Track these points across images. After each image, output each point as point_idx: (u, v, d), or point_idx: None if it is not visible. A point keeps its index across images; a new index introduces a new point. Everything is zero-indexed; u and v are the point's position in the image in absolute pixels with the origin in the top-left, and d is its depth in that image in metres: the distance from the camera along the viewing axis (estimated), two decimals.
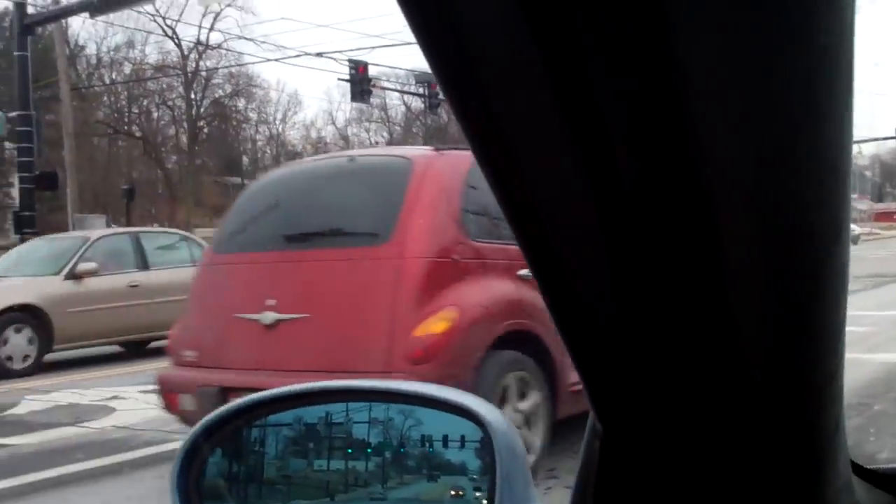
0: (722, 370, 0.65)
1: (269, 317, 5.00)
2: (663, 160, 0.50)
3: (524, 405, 5.10)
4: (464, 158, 5.08)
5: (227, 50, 42.53)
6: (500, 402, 4.82)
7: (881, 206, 59.78)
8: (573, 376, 4.33)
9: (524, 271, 4.78)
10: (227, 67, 46.72)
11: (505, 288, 5.05)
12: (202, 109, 49.90)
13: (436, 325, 4.73)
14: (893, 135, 54.18)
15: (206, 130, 51.86)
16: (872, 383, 8.13)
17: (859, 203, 53.12)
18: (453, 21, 0.49)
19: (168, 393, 5.59)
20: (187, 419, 5.30)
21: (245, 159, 56.06)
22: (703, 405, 0.68)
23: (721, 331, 0.61)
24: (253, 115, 54.21)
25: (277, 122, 55.07)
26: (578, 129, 0.51)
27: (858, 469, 0.99)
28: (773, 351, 0.63)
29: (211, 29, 43.35)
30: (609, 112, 0.49)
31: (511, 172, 0.56)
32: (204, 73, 47.96)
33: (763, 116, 0.47)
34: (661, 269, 0.58)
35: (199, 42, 44.47)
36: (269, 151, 56.40)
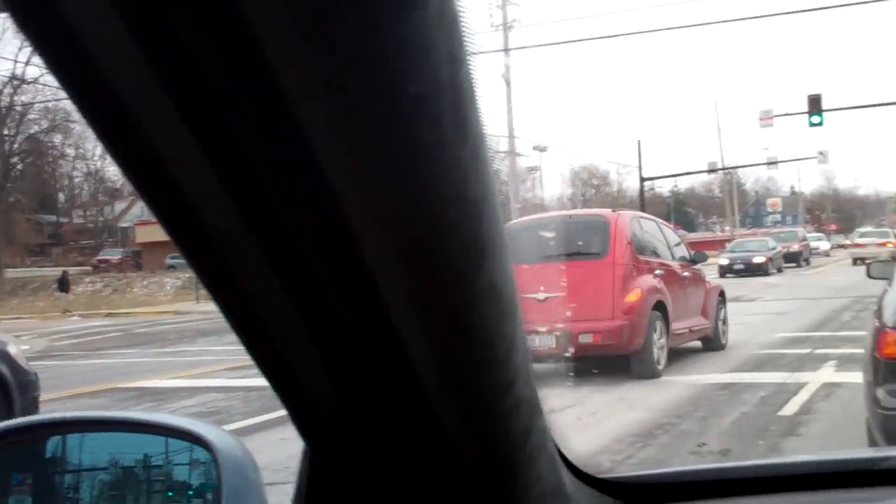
0: (401, 390, 0.70)
1: (541, 296, 9.58)
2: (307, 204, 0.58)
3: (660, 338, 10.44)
4: (629, 215, 11.46)
5: (43, 84, 40.60)
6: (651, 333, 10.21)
7: (694, 236, 63.80)
8: (677, 326, 10.80)
9: (657, 271, 10.78)
10: (43, 102, 44.67)
11: (654, 281, 10.61)
12: (16, 145, 47.49)
13: (632, 296, 10.11)
14: (706, 169, 58.43)
15: (19, 167, 49.36)
16: (680, 403, 8.58)
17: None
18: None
19: None
20: None
21: (61, 196, 53.69)
22: (393, 426, 0.74)
23: (392, 356, 0.67)
24: (70, 151, 52.07)
25: (96, 158, 53.02)
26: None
27: (588, 477, 1.10)
28: (438, 365, 0.68)
29: (28, 63, 41.31)
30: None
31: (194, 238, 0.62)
32: (19, 108, 45.70)
33: (381, 153, 0.52)
34: (335, 317, 0.65)
35: (13, 76, 42.33)
36: (86, 188, 54.24)
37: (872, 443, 4.63)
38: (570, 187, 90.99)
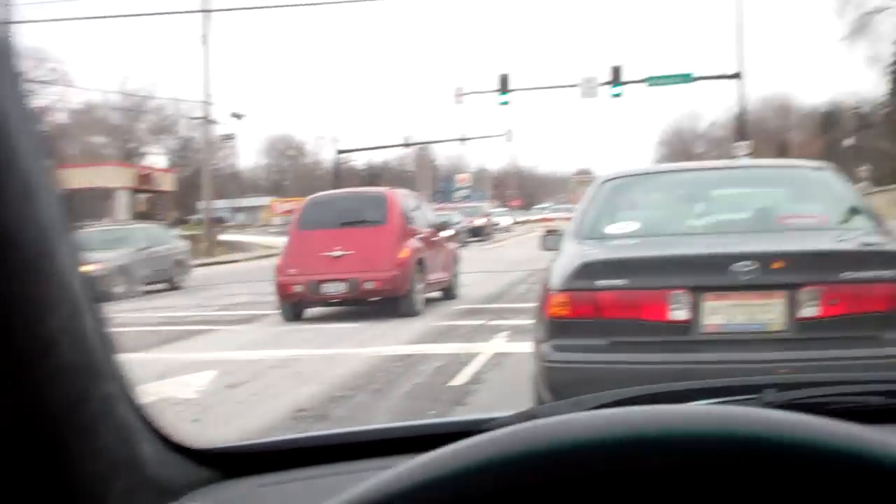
0: None
1: (337, 253, 13.11)
2: None
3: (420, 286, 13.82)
4: (401, 192, 15.65)
5: None
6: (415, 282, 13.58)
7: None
8: (431, 277, 14.30)
9: (419, 235, 14.24)
10: None
11: (417, 242, 13.82)
12: None
13: (403, 253, 13.23)
14: (400, 144, 60.04)
15: None
16: (356, 376, 8.61)
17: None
18: None
19: (285, 286, 13.20)
20: (292, 297, 13.27)
21: None
22: None
23: None
24: None
25: None
26: None
27: (183, 449, 1.08)
28: None
29: None
30: None
31: None
32: None
33: None
34: None
35: None
36: None
37: (539, 401, 4.99)
38: (266, 157, 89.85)
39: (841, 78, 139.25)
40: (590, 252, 5.05)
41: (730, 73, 34.37)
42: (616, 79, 34.14)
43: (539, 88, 42.87)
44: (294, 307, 13.42)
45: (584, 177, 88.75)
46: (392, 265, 13.05)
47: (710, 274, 4.64)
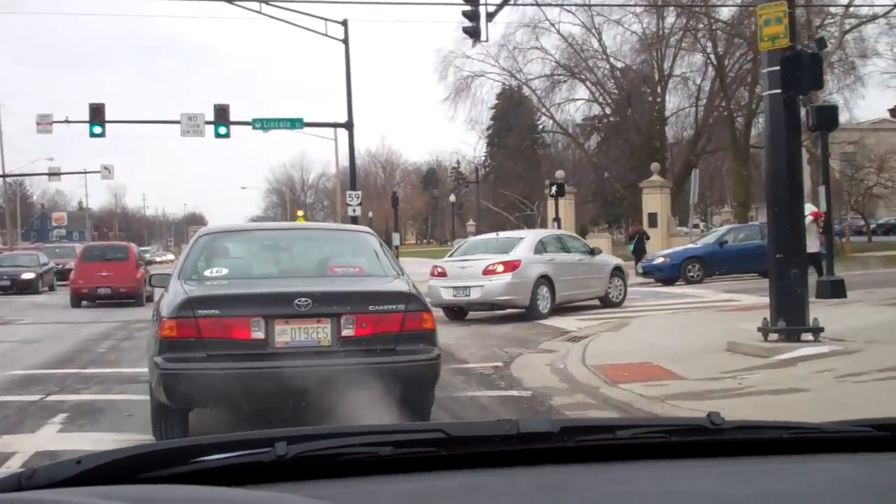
0: None
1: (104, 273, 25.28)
2: None
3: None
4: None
5: None
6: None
7: None
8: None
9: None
10: None
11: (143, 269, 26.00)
12: None
13: (139, 274, 26.18)
14: None
15: None
16: None
17: None
18: None
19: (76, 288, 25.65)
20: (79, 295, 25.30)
21: None
22: None
23: None
24: None
25: None
26: None
27: None
28: None
29: None
30: None
31: None
32: None
33: None
34: None
35: None
36: None
37: (155, 402, 6.52)
38: None
39: (444, 138, 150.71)
40: (191, 289, 6.51)
41: (340, 122, 34.42)
42: (222, 119, 32.75)
43: (137, 122, 40.35)
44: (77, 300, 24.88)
45: (194, 227, 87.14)
46: (136, 280, 24.55)
47: (278, 306, 6.33)
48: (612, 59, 52.17)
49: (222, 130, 33.04)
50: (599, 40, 51.88)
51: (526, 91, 54.43)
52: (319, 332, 6.28)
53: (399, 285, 6.84)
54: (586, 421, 2.00)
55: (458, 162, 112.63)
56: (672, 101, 52.10)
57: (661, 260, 25.14)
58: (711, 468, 1.58)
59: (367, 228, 9.26)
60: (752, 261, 22.76)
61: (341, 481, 1.42)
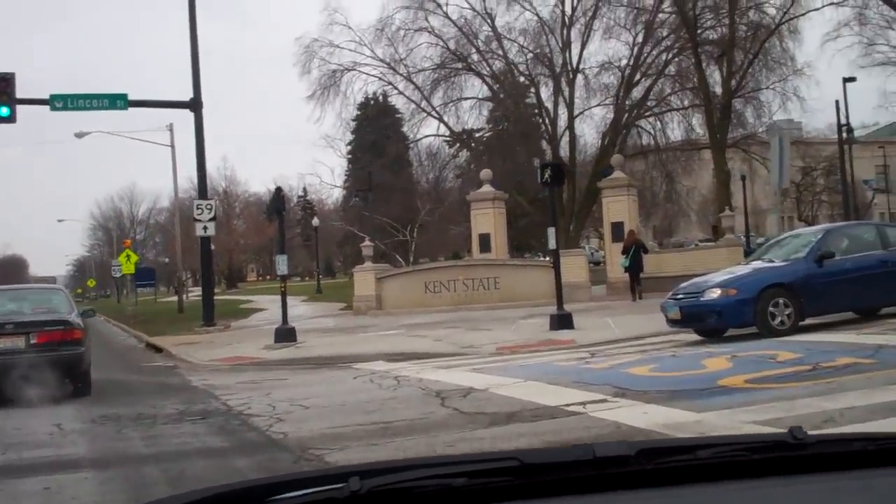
0: None
1: None
2: None
3: None
4: None
5: None
6: None
7: None
8: None
9: None
10: None
11: None
12: None
13: None
14: None
15: None
16: None
17: None
18: None
19: None
20: None
21: None
22: None
23: None
24: None
25: None
26: None
27: None
28: None
29: None
30: None
31: None
32: None
33: None
34: None
35: None
36: None
37: None
38: None
39: (296, 158, 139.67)
40: None
41: (182, 101, 23.72)
42: (3, 93, 21.61)
43: None
44: None
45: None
46: None
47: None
48: (507, 47, 43.53)
49: (4, 111, 22.01)
50: (493, 25, 43.30)
51: (407, 87, 44.80)
52: (20, 342, 12.33)
53: (64, 315, 13.24)
54: (664, 442, 1.84)
55: (304, 190, 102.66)
56: (582, 96, 43.95)
57: (716, 293, 13.20)
58: (794, 485, 1.52)
59: (58, 286, 20.21)
60: (872, 287, 13.48)
61: None
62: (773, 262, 13.88)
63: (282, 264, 20.98)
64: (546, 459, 1.51)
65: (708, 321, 13.28)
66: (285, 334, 19.90)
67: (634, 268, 25.31)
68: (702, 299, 13.27)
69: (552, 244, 18.04)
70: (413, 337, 19.14)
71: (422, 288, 27.77)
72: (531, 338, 16.85)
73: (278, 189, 20.86)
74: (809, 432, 1.60)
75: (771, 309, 12.77)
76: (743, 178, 45.68)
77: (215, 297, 26.57)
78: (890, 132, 68.61)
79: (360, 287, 29.04)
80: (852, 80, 38.88)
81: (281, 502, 1.38)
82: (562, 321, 17.42)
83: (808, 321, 13.29)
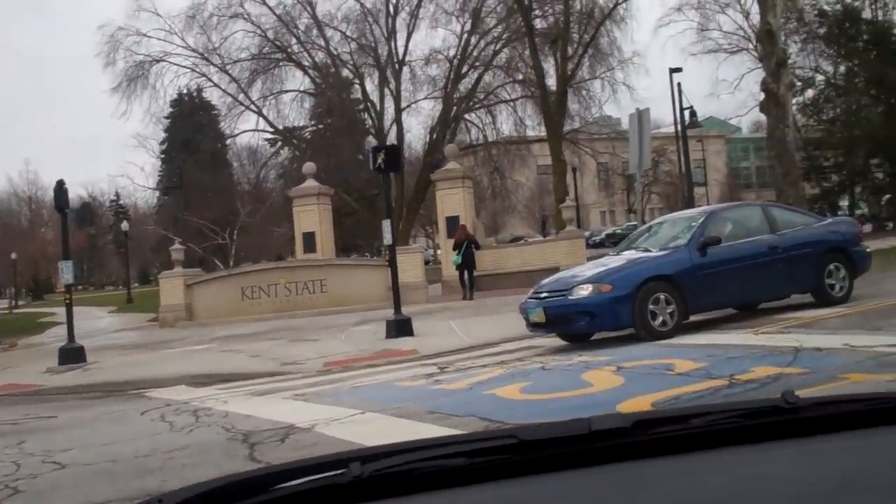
0: None
1: None
2: None
3: None
4: None
5: None
6: None
7: None
8: None
9: None
10: None
11: None
12: None
13: None
14: None
15: None
16: None
17: None
18: None
19: None
20: None
21: None
22: None
23: None
24: None
25: None
26: None
27: None
28: None
29: None
30: None
31: None
32: None
33: None
34: None
35: None
36: None
37: None
38: None
39: (108, 160, 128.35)
40: None
41: None
42: None
43: None
44: None
45: None
46: None
47: None
48: (329, 35, 40.95)
49: None
50: (313, 13, 40.56)
51: (222, 80, 41.30)
52: None
53: None
54: (658, 413, 1.88)
55: (117, 194, 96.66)
56: (410, 89, 41.85)
57: (587, 290, 10.95)
58: (787, 449, 1.53)
59: None
60: (763, 277, 11.59)
61: (417, 497, 1.41)
62: (649, 251, 11.73)
63: (66, 272, 17.66)
64: (542, 435, 1.52)
65: (578, 324, 10.98)
66: (71, 354, 16.70)
67: (466, 265, 23.26)
68: (570, 298, 10.95)
69: (387, 238, 15.65)
70: (226, 352, 16.30)
71: (238, 294, 24.76)
72: (366, 349, 14.41)
73: (59, 183, 17.37)
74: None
75: (651, 307, 10.69)
76: (574, 170, 44.87)
77: (16, 311, 23.08)
78: (708, 126, 70.57)
79: (168, 295, 25.69)
80: (678, 70, 38.42)
81: (286, 490, 1.38)
82: (400, 327, 15.09)
83: (691, 318, 11.37)
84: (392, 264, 15.51)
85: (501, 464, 1.45)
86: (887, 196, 37.16)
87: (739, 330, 10.64)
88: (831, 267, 11.78)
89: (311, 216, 28.01)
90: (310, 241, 27.89)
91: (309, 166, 29.57)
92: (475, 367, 10.46)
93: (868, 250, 12.47)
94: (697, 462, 1.48)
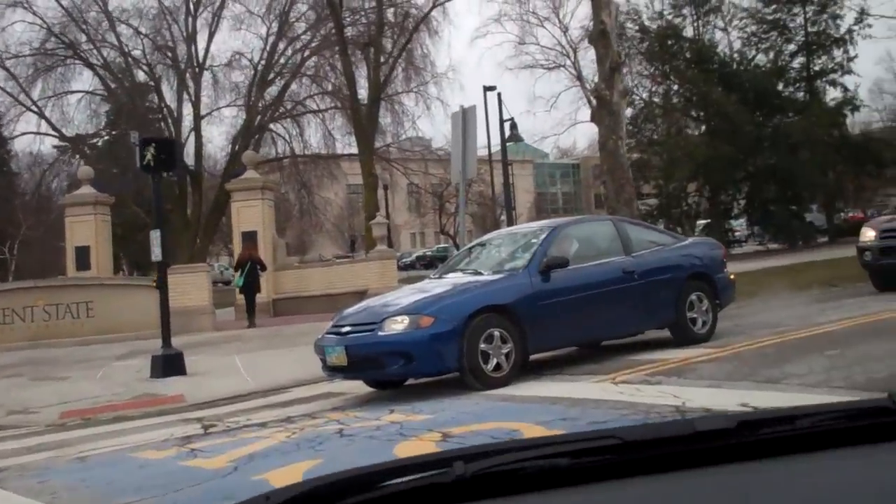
0: None
1: None
2: None
3: None
4: None
5: None
6: None
7: None
8: None
9: None
10: None
11: None
12: None
13: None
14: None
15: None
16: None
17: None
18: None
19: None
20: None
21: None
22: None
23: None
24: None
25: None
26: None
27: None
28: None
29: None
30: None
31: None
32: None
33: None
34: None
35: None
36: None
37: None
38: None
39: None
40: None
41: None
42: None
43: None
44: None
45: None
46: None
47: None
48: (122, 32, 37.00)
49: None
50: (104, 6, 36.50)
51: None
52: None
53: None
54: (764, 413, 1.69)
55: None
56: (211, 95, 38.37)
57: (402, 323, 8.42)
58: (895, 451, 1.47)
59: None
60: (617, 308, 9.51)
61: (520, 497, 1.38)
62: (480, 274, 9.38)
63: None
64: (645, 436, 1.49)
65: (390, 368, 8.42)
66: None
67: (249, 287, 20.34)
68: (380, 334, 8.39)
69: (157, 254, 12.67)
70: None
71: None
72: (121, 392, 11.41)
73: None
74: None
75: (483, 346, 8.33)
76: (385, 187, 42.67)
77: None
78: (515, 150, 70.40)
79: None
80: (492, 88, 36.96)
81: (392, 487, 1.35)
82: (169, 364, 12.16)
83: (531, 358, 9.07)
84: (160, 286, 12.51)
85: (604, 465, 1.44)
86: (703, 221, 36.70)
87: (592, 376, 8.45)
88: (693, 297, 9.74)
89: (87, 228, 24.36)
90: (84, 256, 24.22)
91: (85, 171, 25.86)
92: (251, 427, 7.80)
93: (731, 277, 10.66)
94: (804, 464, 1.44)
